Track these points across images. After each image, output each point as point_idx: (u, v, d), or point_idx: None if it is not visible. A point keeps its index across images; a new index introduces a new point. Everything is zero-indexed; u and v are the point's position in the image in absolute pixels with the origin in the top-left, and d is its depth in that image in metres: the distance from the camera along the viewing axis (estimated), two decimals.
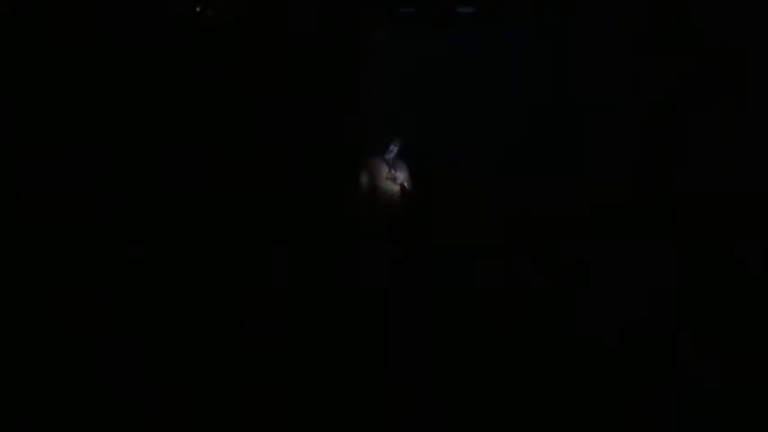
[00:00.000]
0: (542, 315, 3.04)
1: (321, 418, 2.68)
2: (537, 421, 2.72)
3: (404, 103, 3.44)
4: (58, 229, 2.85)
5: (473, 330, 3.01)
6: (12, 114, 2.88)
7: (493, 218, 3.30)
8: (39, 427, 2.55)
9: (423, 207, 3.40)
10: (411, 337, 2.97)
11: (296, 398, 2.74)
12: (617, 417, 2.72)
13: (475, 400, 2.77)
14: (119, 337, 2.78)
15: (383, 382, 2.82)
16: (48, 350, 2.69)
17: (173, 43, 3.10)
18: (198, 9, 3.16)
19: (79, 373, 2.68)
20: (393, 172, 3.44)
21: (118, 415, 2.60)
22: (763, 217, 2.96)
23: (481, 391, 2.79)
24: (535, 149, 3.36)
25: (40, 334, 2.71)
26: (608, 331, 2.97)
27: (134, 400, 2.64)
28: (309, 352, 2.87)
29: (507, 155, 3.37)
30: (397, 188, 3.43)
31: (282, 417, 2.68)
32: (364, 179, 3.42)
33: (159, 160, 3.08)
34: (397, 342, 2.95)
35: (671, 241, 3.03)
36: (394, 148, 3.44)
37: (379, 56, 3.43)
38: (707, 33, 3.10)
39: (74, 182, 2.93)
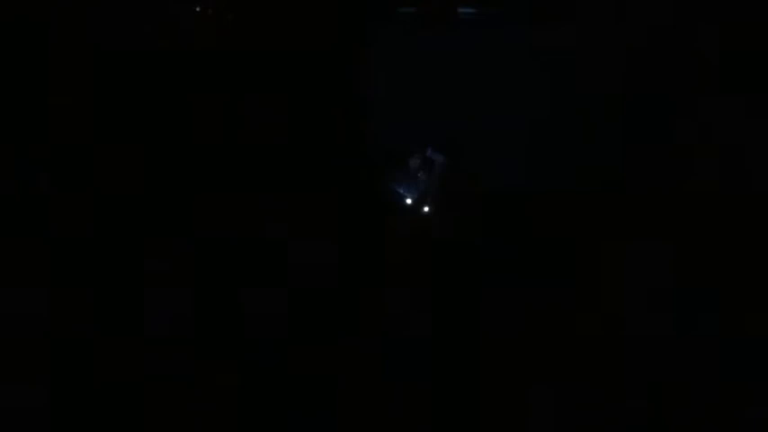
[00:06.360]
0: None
1: None
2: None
3: (403, 103, 3.44)
4: None
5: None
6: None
7: (492, 217, 3.31)
8: None
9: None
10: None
11: None
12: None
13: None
14: None
15: None
16: None
17: (173, 43, 3.11)
18: (198, 9, 3.16)
19: None
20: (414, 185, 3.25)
21: None
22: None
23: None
24: (535, 149, 3.37)
25: None
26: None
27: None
28: None
29: (507, 155, 3.38)
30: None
31: None
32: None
33: (158, 161, 3.09)
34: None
35: (670, 242, 3.03)
36: (417, 160, 3.28)
37: (380, 56, 3.43)
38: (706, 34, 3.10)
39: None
